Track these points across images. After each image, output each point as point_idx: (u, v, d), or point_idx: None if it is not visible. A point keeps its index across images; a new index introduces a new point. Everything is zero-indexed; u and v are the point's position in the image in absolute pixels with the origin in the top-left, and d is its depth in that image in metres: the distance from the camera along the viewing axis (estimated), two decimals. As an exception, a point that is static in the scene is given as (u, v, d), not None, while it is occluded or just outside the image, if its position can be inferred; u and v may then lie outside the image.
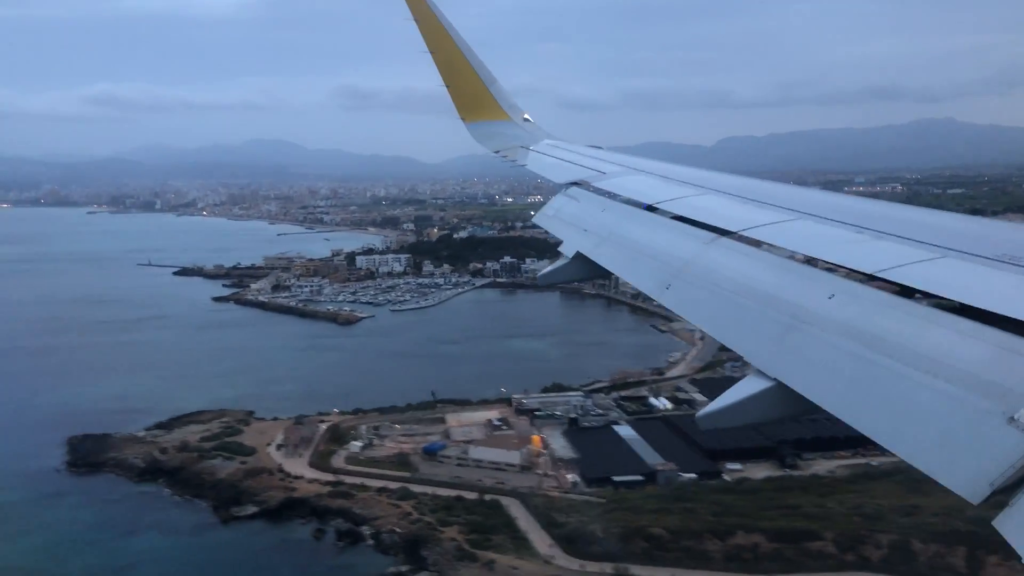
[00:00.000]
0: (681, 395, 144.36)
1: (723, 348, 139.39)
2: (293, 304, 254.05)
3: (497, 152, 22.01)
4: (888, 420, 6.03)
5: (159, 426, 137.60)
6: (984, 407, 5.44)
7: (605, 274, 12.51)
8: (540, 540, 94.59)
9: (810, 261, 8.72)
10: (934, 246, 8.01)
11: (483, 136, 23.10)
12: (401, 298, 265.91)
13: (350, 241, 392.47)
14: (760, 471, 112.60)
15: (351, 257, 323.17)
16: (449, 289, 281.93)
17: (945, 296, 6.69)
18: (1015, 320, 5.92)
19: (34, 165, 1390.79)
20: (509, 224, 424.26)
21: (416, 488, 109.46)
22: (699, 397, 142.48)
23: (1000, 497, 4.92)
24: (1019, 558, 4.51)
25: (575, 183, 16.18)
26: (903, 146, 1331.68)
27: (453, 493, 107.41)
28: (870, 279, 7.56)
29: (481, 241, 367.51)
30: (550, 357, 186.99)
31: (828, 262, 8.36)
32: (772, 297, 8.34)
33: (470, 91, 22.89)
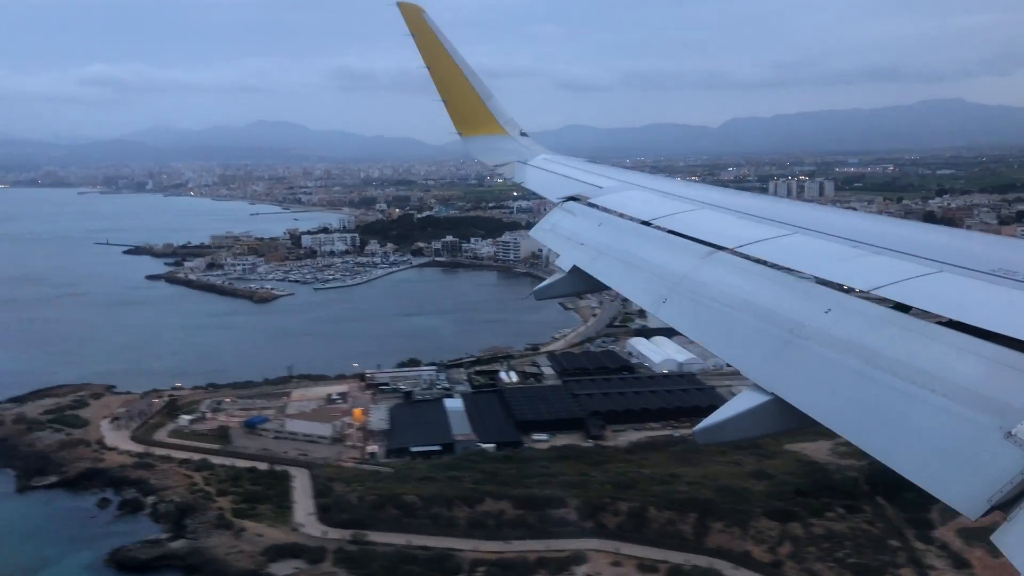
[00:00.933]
0: (531, 369, 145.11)
1: (610, 325, 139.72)
2: (219, 282, 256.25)
3: (495, 167, 22.52)
4: (886, 435, 5.97)
5: (14, 399, 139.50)
6: (982, 422, 5.39)
7: (601, 288, 12.46)
8: (303, 509, 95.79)
9: (804, 276, 8.70)
10: (930, 261, 7.98)
11: (480, 150, 23.59)
12: (331, 277, 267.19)
13: (316, 221, 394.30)
14: (566, 442, 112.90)
15: (298, 236, 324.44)
16: (383, 268, 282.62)
17: (941, 312, 6.67)
18: (1011, 336, 5.93)
19: (37, 147, 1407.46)
20: (481, 204, 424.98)
21: (220, 460, 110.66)
22: (548, 371, 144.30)
23: (999, 512, 4.90)
24: (1018, 574, 4.49)
25: (572, 197, 16.22)
26: (912, 127, 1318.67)
27: (249, 464, 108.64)
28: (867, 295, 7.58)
29: (436, 220, 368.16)
30: (442, 334, 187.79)
31: (824, 279, 8.36)
32: (769, 311, 8.28)
33: (467, 106, 23.23)
